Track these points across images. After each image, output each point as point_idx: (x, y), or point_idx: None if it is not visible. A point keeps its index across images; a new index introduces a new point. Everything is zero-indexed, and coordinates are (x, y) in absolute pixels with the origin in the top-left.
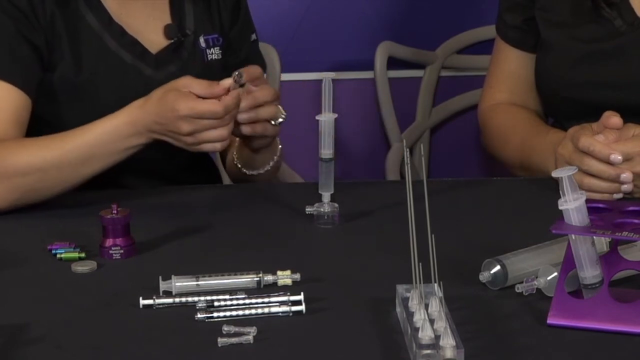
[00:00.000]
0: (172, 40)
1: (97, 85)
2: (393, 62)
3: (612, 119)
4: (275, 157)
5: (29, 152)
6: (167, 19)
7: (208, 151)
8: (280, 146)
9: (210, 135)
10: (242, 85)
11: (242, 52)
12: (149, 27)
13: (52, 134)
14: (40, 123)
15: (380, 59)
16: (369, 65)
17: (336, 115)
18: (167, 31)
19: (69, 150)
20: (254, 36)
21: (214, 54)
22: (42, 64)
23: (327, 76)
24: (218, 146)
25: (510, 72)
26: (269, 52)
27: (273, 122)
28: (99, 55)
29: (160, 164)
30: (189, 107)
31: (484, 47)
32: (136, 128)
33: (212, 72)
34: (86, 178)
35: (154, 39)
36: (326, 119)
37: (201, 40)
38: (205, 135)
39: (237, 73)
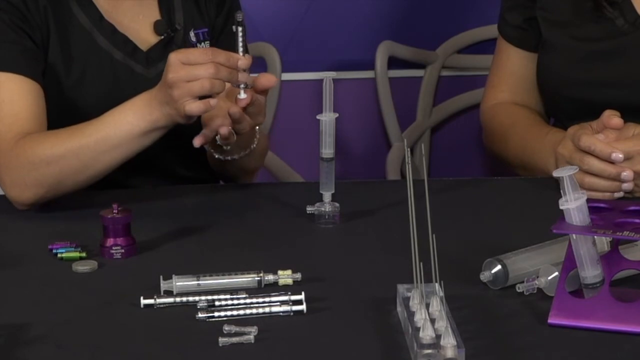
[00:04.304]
0: (162, 37)
1: (87, 83)
2: (393, 62)
3: (614, 120)
4: (252, 145)
5: (51, 141)
6: (157, 16)
7: (192, 112)
8: (257, 135)
9: (193, 86)
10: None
11: (220, 42)
12: (140, 24)
13: (64, 130)
14: None
15: (380, 59)
16: (370, 65)
17: (337, 115)
18: (157, 27)
19: (88, 135)
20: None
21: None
22: (41, 56)
23: (327, 76)
24: (202, 106)
25: (511, 72)
26: (269, 52)
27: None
28: (90, 53)
29: (157, 159)
30: (178, 52)
31: (485, 46)
32: (150, 102)
33: None
34: (107, 166)
35: (144, 36)
36: (327, 118)
37: (191, 34)
38: (188, 85)
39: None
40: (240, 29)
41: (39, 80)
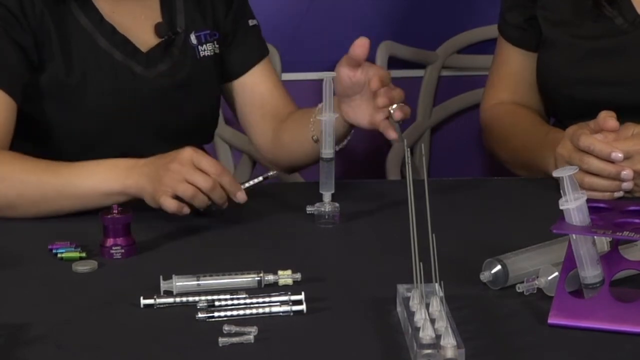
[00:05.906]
0: (163, 39)
1: (87, 84)
2: (394, 62)
3: (609, 122)
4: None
5: (25, 165)
6: (158, 17)
7: (164, 206)
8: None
9: (180, 186)
10: (265, 178)
11: (237, 39)
12: (140, 25)
13: (40, 160)
14: (28, 122)
15: (380, 59)
16: None
17: (337, 115)
18: (158, 29)
19: (59, 174)
20: (252, 22)
21: (207, 50)
22: (30, 65)
23: (327, 76)
24: (174, 207)
25: (512, 72)
26: (270, 52)
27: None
28: (90, 54)
29: None
30: (197, 151)
31: (485, 46)
32: (132, 169)
33: (205, 68)
34: (63, 211)
35: (144, 37)
36: (327, 118)
37: (192, 37)
38: (178, 182)
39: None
40: None
41: (15, 96)
